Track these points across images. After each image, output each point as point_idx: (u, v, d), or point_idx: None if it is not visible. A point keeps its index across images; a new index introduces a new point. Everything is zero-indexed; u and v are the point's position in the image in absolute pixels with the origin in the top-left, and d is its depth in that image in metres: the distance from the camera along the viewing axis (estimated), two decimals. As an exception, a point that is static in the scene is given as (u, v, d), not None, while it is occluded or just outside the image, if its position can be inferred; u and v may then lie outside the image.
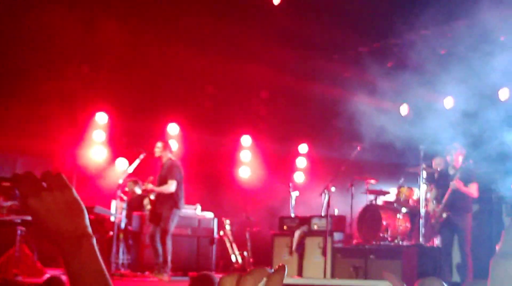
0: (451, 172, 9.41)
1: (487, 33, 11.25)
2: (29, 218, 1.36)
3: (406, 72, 13.28)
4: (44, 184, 1.40)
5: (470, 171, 9.36)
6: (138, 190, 11.93)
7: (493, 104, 12.53)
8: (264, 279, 0.89)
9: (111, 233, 10.95)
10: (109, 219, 11.41)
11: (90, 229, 1.40)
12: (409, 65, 13.16)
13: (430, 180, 10.23)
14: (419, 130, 12.36)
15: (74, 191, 1.40)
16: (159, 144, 10.48)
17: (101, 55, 13.39)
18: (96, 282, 1.37)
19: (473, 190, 9.26)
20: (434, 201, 9.67)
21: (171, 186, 10.12)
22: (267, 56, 13.57)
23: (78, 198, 1.40)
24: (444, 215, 9.37)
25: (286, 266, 0.90)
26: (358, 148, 9.85)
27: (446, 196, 9.30)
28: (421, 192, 10.25)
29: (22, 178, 1.39)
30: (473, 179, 9.31)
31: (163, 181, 10.22)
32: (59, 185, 1.40)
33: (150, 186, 10.29)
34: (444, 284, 0.65)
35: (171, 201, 10.20)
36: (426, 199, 10.19)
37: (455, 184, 9.14)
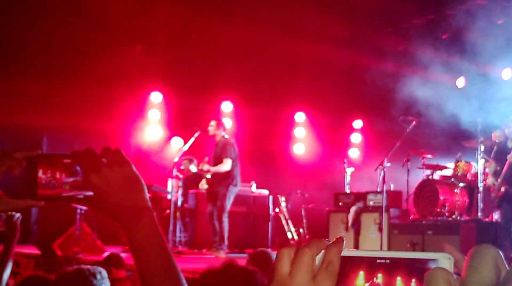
0: (510, 145, 9.18)
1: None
2: (90, 193, 1.40)
3: (462, 44, 13.02)
4: (104, 160, 1.43)
5: None
6: (193, 168, 12.04)
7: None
8: (323, 251, 0.89)
9: (168, 211, 11.11)
10: (166, 197, 11.58)
11: (149, 203, 1.43)
12: (465, 37, 12.88)
13: (488, 153, 10.00)
14: (477, 102, 12.12)
15: (133, 166, 1.44)
16: (213, 123, 10.52)
17: (154, 34, 13.50)
18: (157, 254, 1.41)
19: None
20: (493, 175, 9.47)
21: (226, 165, 10.16)
22: (321, 31, 13.44)
23: (137, 173, 1.45)
24: (503, 189, 9.17)
25: (344, 238, 0.90)
26: (414, 122, 9.68)
27: (504, 170, 9.10)
28: (479, 166, 10.04)
29: (83, 155, 1.43)
30: None
31: (218, 160, 10.26)
32: (119, 161, 1.44)
33: (206, 166, 10.34)
34: (500, 252, 0.64)
35: (227, 179, 10.25)
36: (484, 173, 9.98)
37: (511, 156, 8.93)
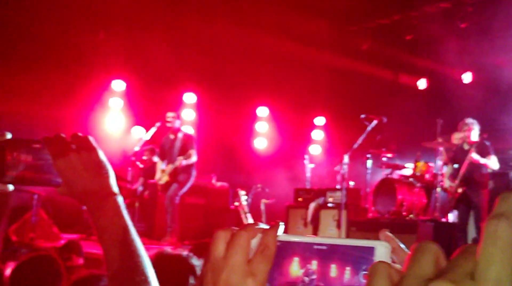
0: (466, 147, 9.32)
1: None
2: (59, 179, 1.41)
3: (425, 45, 13.18)
4: (73, 146, 1.46)
5: (485, 145, 9.27)
6: (155, 159, 11.96)
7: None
8: (259, 234, 0.88)
9: (127, 200, 11.02)
10: (125, 186, 11.48)
11: (116, 188, 1.45)
12: (428, 38, 13.04)
13: (447, 155, 10.15)
14: (438, 104, 12.30)
15: (101, 152, 1.45)
16: (171, 114, 10.48)
17: (117, 21, 13.35)
18: (123, 237, 1.44)
19: (492, 162, 9.16)
20: (449, 177, 9.61)
21: (194, 157, 10.23)
22: (285, 26, 13.47)
23: (105, 159, 1.47)
24: (460, 190, 9.31)
25: (281, 222, 0.89)
26: (375, 121, 9.77)
27: (462, 171, 9.24)
28: (437, 167, 10.19)
29: (52, 140, 1.46)
30: (490, 152, 9.22)
31: (182, 152, 10.25)
32: (87, 147, 1.48)
33: (177, 162, 10.31)
34: (441, 249, 0.64)
35: (190, 169, 10.29)
36: (442, 175, 10.13)
37: (472, 157, 9.06)
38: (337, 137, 15.35)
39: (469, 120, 9.37)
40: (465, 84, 13.66)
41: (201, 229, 11.48)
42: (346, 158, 9.09)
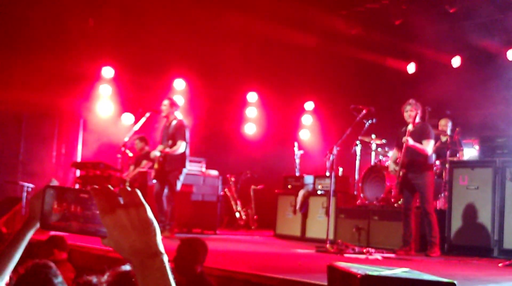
0: (409, 129, 9.18)
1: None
2: (104, 230, 1.44)
3: (414, 29, 13.17)
4: (121, 199, 1.44)
5: (424, 127, 9.17)
6: (146, 147, 11.96)
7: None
8: None
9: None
10: (115, 175, 11.51)
11: (162, 247, 1.44)
12: (417, 24, 13.03)
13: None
14: (426, 89, 12.31)
15: (148, 209, 1.45)
16: (166, 102, 10.41)
17: (106, 8, 13.30)
18: None
19: (426, 146, 9.05)
20: (396, 161, 9.47)
21: (181, 147, 10.11)
22: (274, 10, 13.44)
23: (152, 216, 1.44)
24: (401, 174, 9.21)
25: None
26: (364, 111, 9.74)
27: (401, 154, 9.13)
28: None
29: (100, 192, 1.45)
30: (427, 136, 9.13)
31: (172, 141, 10.17)
32: (135, 203, 1.44)
33: (160, 148, 10.26)
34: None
35: (179, 161, 10.21)
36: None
37: (406, 140, 8.95)
38: (327, 122, 15.41)
39: (412, 101, 9.22)
40: (454, 68, 13.71)
41: (192, 216, 11.53)
42: (335, 150, 9.07)
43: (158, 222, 7.73)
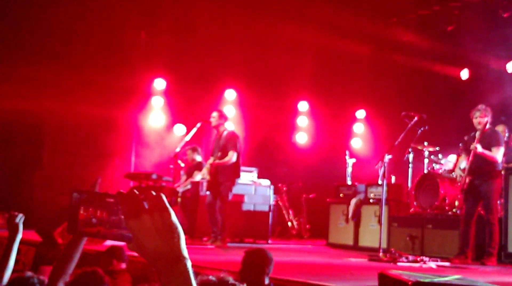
0: (477, 136, 8.98)
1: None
2: (129, 234, 1.46)
3: (467, 36, 12.96)
4: (145, 204, 1.45)
5: (494, 134, 8.96)
6: (198, 158, 12.03)
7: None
8: None
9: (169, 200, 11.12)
10: (167, 186, 11.62)
11: (186, 252, 1.45)
12: (470, 29, 12.82)
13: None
14: (480, 95, 12.07)
15: (173, 213, 1.45)
16: (215, 114, 10.49)
17: (158, 21, 13.48)
18: None
19: (495, 153, 8.84)
20: (461, 167, 9.28)
21: (233, 157, 10.16)
22: (325, 19, 13.40)
23: (176, 221, 1.45)
24: (467, 180, 9.01)
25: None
26: (416, 118, 9.61)
27: (469, 161, 8.93)
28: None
29: (125, 197, 1.46)
30: (497, 143, 8.93)
31: (223, 152, 10.23)
32: (159, 207, 1.45)
33: (210, 160, 10.34)
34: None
35: (232, 172, 10.25)
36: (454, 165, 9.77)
37: (474, 147, 8.74)
38: (378, 130, 15.26)
39: (482, 106, 9.00)
40: (508, 73, 13.41)
41: (244, 226, 11.54)
42: (387, 158, 8.96)
43: (211, 233, 7.82)
